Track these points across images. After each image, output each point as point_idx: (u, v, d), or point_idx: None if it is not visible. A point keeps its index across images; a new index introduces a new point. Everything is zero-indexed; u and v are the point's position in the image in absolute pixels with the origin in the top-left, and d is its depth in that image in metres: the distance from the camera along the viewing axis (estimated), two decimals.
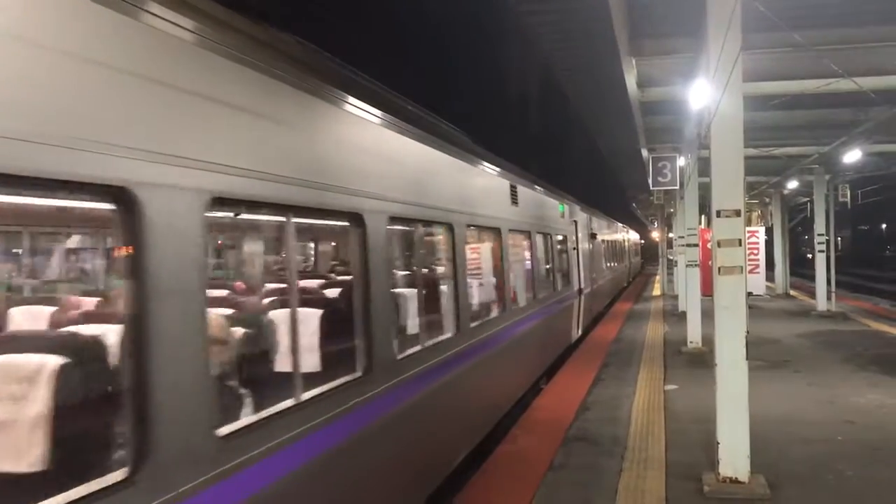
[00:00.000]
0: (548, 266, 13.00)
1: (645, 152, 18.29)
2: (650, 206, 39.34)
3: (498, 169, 9.39)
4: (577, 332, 16.10)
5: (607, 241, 26.12)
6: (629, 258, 40.27)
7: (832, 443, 8.01)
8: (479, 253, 8.71)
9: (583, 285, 16.80)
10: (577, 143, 43.01)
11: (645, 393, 10.74)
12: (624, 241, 36.06)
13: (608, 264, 25.84)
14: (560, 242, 14.29)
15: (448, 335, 6.94)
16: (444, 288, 7.31)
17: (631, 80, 11.22)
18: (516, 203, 9.97)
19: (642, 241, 61.18)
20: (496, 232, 8.96)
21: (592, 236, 20.03)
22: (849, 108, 13.43)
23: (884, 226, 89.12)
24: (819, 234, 21.78)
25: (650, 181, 15.76)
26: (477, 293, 8.44)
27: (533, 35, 11.47)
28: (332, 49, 5.67)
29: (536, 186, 12.24)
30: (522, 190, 10.56)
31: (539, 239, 11.94)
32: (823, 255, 21.55)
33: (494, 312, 8.98)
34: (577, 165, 47.05)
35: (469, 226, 7.65)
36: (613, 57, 10.25)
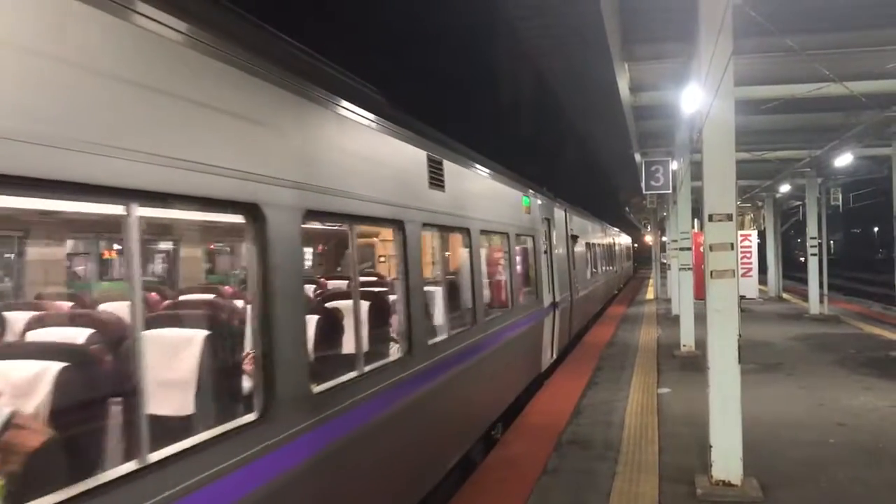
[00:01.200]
0: (501, 276, 10.08)
1: (638, 156, 18.33)
2: (643, 210, 39.43)
3: (403, 131, 6.08)
4: (550, 356, 13.20)
5: (593, 245, 23.23)
6: (620, 263, 37.38)
7: (824, 445, 8.04)
8: (350, 263, 5.39)
9: (558, 298, 13.78)
10: (570, 146, 43.14)
11: (638, 396, 10.76)
12: (613, 244, 33.22)
13: (594, 271, 23.05)
14: (523, 245, 11.49)
15: (243, 419, 3.57)
16: (241, 327, 4.25)
17: (623, 85, 11.26)
18: (440, 187, 6.83)
19: (635, 245, 61.33)
20: (396, 227, 5.79)
21: (573, 238, 17.26)
22: (840, 111, 13.49)
23: (876, 229, 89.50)
24: (811, 238, 21.86)
25: (643, 185, 15.79)
26: (346, 331, 5.33)
27: (526, 40, 11.50)
28: (326, 52, 5.65)
29: (482, 168, 9.00)
30: (454, 170, 7.40)
31: (485, 240, 9.01)
32: (816, 258, 21.64)
33: (386, 356, 5.70)
34: (569, 169, 47.19)
35: (314, 214, 4.37)
36: (606, 62, 10.28)
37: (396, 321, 6.12)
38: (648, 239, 48.86)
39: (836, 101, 12.05)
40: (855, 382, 11.36)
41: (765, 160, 17.75)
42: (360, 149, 5.19)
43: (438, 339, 6.80)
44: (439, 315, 7.31)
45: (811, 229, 21.91)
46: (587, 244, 21.49)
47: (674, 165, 15.50)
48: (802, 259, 31.29)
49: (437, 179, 6.78)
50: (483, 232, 8.57)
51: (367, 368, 5.02)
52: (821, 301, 21.52)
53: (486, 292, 9.14)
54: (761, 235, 30.39)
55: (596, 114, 17.07)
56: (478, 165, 8.76)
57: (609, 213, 42.73)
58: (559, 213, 15.28)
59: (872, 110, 12.35)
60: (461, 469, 7.61)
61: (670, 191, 16.11)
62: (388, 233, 6.83)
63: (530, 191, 12.06)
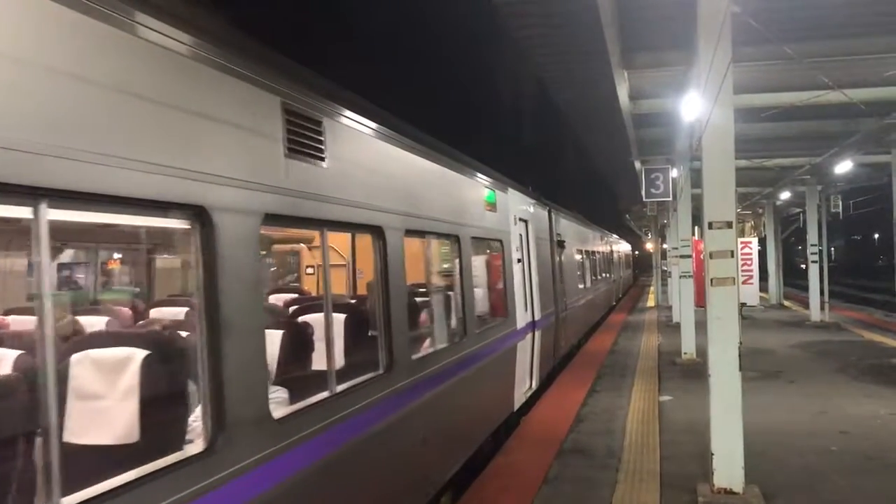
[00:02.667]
0: (444, 295, 7.80)
1: (638, 164, 18.37)
2: (643, 218, 39.45)
3: (223, 58, 3.61)
4: (528, 387, 10.93)
5: (585, 252, 21.02)
6: (618, 272, 35.20)
7: (826, 453, 8.02)
8: (38, 280, 2.56)
9: (538, 315, 11.58)
10: (570, 154, 43.20)
11: (639, 404, 10.74)
12: (611, 251, 31.46)
13: (587, 281, 20.70)
14: (485, 252, 9.59)
15: None
16: None
17: (623, 93, 11.28)
18: (315, 157, 4.40)
19: (636, 252, 61.35)
20: (194, 220, 3.33)
21: (560, 244, 15.05)
22: (839, 119, 13.52)
23: (877, 236, 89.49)
24: (812, 245, 21.87)
25: (643, 192, 15.82)
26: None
27: (525, 49, 11.53)
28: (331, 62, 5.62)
29: (411, 144, 6.30)
30: (350, 138, 5.03)
31: (414, 245, 6.91)
32: (816, 265, 21.64)
33: (170, 447, 3.21)
34: (570, 177, 47.28)
35: None
36: (605, 70, 10.31)
37: (191, 386, 3.55)
38: (649, 246, 48.88)
39: (835, 109, 12.09)
40: (856, 390, 11.34)
41: (765, 168, 17.79)
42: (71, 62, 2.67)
43: (306, 403, 4.23)
44: (315, 363, 4.92)
45: (812, 236, 21.92)
46: (579, 251, 19.50)
47: (674, 173, 15.52)
48: (803, 266, 31.30)
49: (307, 146, 4.28)
50: (410, 233, 6.07)
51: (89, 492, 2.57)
52: (822, 308, 21.51)
53: (419, 319, 6.94)
54: (762, 242, 30.38)
55: (596, 121, 17.06)
56: (401, 139, 6.04)
57: (609, 220, 42.71)
58: (541, 215, 13.21)
59: (872, 118, 12.38)
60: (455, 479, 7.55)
61: (670, 198, 16.13)
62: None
63: (499, 184, 9.76)
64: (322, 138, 4.50)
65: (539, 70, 13.21)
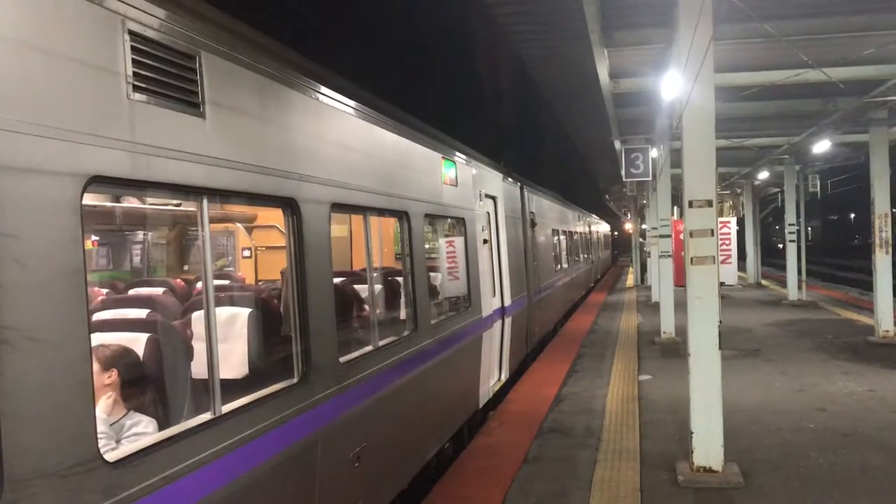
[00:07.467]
0: (388, 284, 6.90)
1: (618, 144, 18.33)
2: (623, 198, 39.55)
3: None
4: (498, 378, 10.38)
5: (562, 232, 20.20)
6: (596, 252, 34.35)
7: (804, 430, 8.08)
8: None
9: (508, 301, 10.88)
10: (550, 134, 43.14)
11: (619, 384, 10.78)
12: (589, 231, 30.57)
13: (563, 262, 20.03)
14: (444, 231, 8.88)
15: None
16: None
17: (603, 71, 11.19)
18: (189, 105, 3.37)
19: (615, 233, 61.65)
20: None
21: (534, 224, 14.30)
22: (818, 98, 13.53)
23: (852, 215, 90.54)
24: (790, 224, 22.02)
25: (623, 172, 15.78)
26: None
27: (504, 25, 11.42)
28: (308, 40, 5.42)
29: (338, 96, 5.17)
30: (247, 80, 3.94)
31: (343, 224, 6.89)
32: (794, 244, 21.81)
33: None
34: (550, 157, 47.23)
35: None
36: (585, 48, 10.21)
37: None
38: (629, 227, 49.04)
39: (814, 88, 12.08)
40: (833, 368, 11.45)
41: (744, 147, 17.82)
42: None
43: (172, 432, 3.21)
44: (197, 374, 3.86)
45: (789, 216, 22.06)
46: (555, 231, 18.72)
47: (654, 153, 15.51)
48: (781, 245, 31.54)
49: (172, 87, 3.23)
50: (339, 207, 5.07)
51: None
52: (799, 287, 21.72)
53: (353, 313, 6.05)
54: (740, 222, 30.56)
55: (576, 101, 16.99)
56: (329, 92, 5.02)
57: (589, 200, 42.72)
58: (512, 191, 12.21)
59: (850, 97, 12.40)
60: (439, 457, 7.50)
61: (650, 178, 16.13)
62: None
63: (462, 157, 8.87)
64: (197, 79, 3.43)
65: (519, 48, 13.10)
